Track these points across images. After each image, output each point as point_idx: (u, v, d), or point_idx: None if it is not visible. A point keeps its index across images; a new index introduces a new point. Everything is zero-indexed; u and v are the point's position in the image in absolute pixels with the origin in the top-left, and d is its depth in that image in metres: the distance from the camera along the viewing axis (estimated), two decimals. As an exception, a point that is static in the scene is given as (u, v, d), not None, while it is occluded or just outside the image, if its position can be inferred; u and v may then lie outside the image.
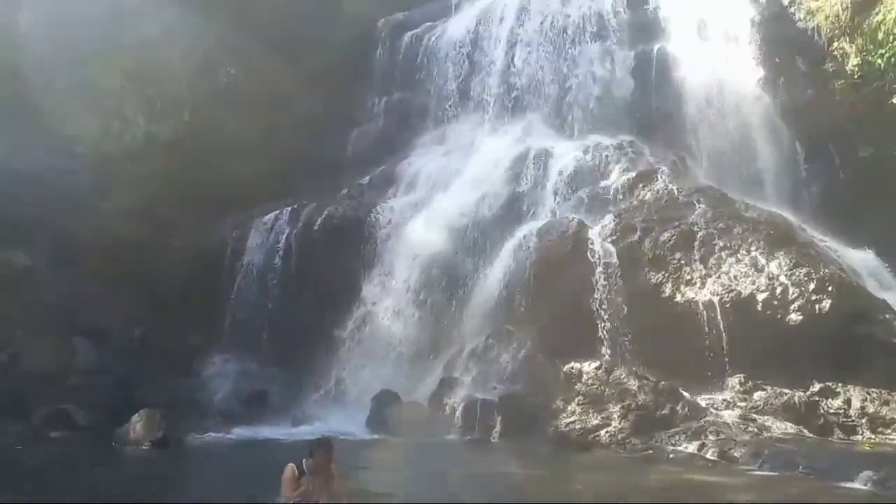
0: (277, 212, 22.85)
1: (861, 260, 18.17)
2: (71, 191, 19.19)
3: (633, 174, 21.28)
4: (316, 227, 22.08)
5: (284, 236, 22.24)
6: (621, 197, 20.72)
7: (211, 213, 21.31)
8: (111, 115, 21.94)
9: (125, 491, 8.36)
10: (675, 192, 19.95)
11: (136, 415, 14.22)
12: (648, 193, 20.23)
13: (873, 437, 13.68)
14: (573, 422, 15.15)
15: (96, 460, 12.15)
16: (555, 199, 21.67)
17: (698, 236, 18.38)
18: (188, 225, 20.78)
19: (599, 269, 18.50)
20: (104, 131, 21.32)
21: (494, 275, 19.60)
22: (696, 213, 18.99)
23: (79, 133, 20.57)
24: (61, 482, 9.09)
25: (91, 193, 19.41)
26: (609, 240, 19.16)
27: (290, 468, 6.25)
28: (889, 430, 13.93)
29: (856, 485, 9.39)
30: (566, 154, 22.88)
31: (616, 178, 21.66)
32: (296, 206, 22.85)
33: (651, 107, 24.41)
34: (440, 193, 22.58)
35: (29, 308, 16.79)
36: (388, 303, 20.14)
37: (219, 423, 16.70)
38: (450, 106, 27.13)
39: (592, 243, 19.02)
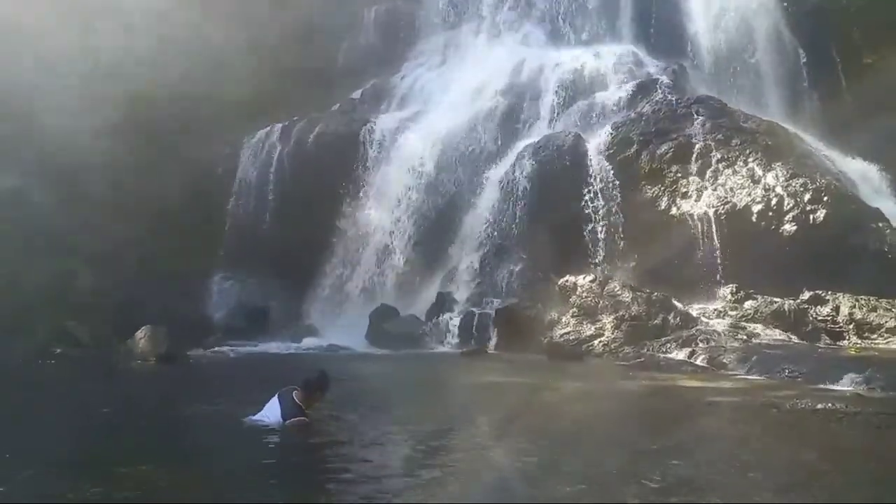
0: (268, 129, 22.44)
1: (857, 169, 18.11)
2: (55, 109, 18.72)
3: (632, 85, 20.83)
4: (308, 145, 21.77)
5: (277, 154, 21.96)
6: (619, 109, 20.35)
7: (201, 132, 20.86)
8: (88, 31, 21.06)
9: (136, 402, 8.58)
10: (674, 103, 19.58)
11: (140, 331, 14.43)
12: (647, 105, 19.85)
13: (860, 342, 14.07)
14: (567, 333, 15.51)
15: (103, 374, 12.43)
16: (552, 112, 21.26)
17: (696, 148, 18.22)
18: (177, 144, 20.38)
19: (596, 183, 18.43)
20: (82, 47, 20.52)
21: (490, 190, 19.51)
22: (695, 124, 18.73)
23: (59, 50, 19.82)
24: (70, 394, 9.33)
25: (75, 112, 18.92)
26: (606, 154, 18.98)
27: (298, 409, 6.51)
28: (875, 336, 14.32)
29: (840, 387, 9.75)
30: (564, 65, 22.28)
31: (615, 89, 21.19)
32: (287, 123, 22.43)
33: (651, 15, 23.56)
34: (434, 108, 22.12)
35: (25, 230, 16.71)
36: (383, 218, 20.13)
37: (221, 339, 17.03)
38: (443, 16, 26.15)
39: (589, 157, 18.84)
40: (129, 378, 12.45)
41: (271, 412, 6.51)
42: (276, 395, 6.58)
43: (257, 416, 6.63)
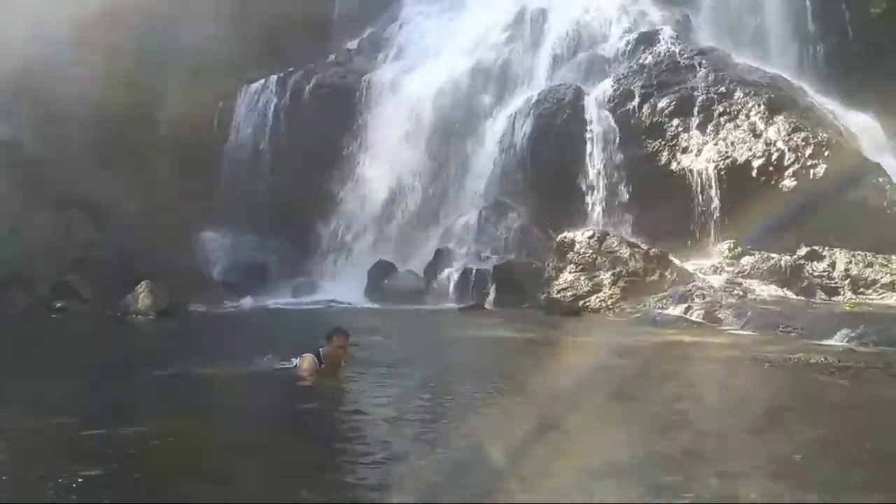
0: (263, 80, 22.05)
1: (860, 123, 17.89)
2: (47, 58, 18.36)
3: (635, 35, 20.39)
4: (304, 97, 21.43)
5: (273, 106, 21.64)
6: (621, 60, 19.98)
7: (194, 83, 20.48)
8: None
9: (140, 356, 8.68)
10: (677, 54, 19.21)
11: (140, 285, 14.50)
12: (649, 57, 19.47)
13: (854, 297, 14.19)
14: (565, 288, 15.60)
15: (105, 329, 12.54)
16: (552, 63, 20.88)
17: (698, 101, 17.99)
18: (171, 95, 20.04)
19: (596, 138, 18.25)
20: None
21: (489, 144, 19.33)
22: (698, 76, 18.43)
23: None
24: (75, 350, 9.43)
25: (66, 60, 18.56)
26: (607, 107, 18.74)
27: (310, 357, 6.63)
28: (870, 291, 14.43)
29: (833, 342, 9.88)
30: (565, 14, 21.76)
31: (616, 40, 20.76)
32: (282, 75, 22.02)
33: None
34: (432, 58, 21.68)
35: (22, 182, 16.59)
36: (380, 172, 19.99)
37: (221, 294, 17.13)
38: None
39: (589, 111, 18.60)
40: (132, 332, 12.57)
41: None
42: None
43: (287, 365, 6.91)
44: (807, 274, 15.18)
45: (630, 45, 20.12)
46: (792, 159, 16.42)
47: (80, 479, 3.68)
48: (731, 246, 16.34)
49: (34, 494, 3.52)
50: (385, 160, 20.07)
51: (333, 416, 5.76)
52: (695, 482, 3.91)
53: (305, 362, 6.68)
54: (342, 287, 17.76)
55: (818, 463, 4.33)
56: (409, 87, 20.66)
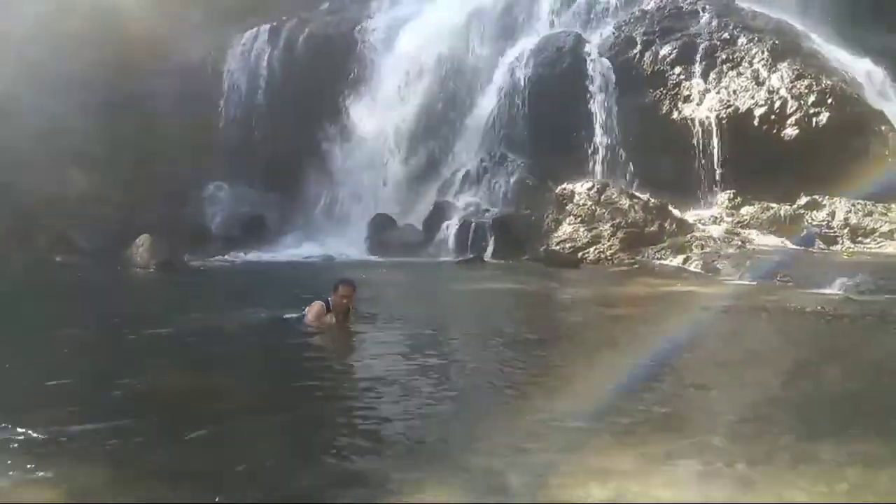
0: (255, 31, 21.55)
1: (865, 69, 17.59)
2: (34, 13, 17.94)
3: (637, -21, 19.83)
4: (298, 47, 20.99)
5: (266, 57, 21.21)
6: (622, 7, 19.49)
7: (185, 33, 20.01)
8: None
9: (144, 309, 8.69)
10: (680, -1, 18.76)
11: (139, 239, 14.46)
12: (651, 2, 19.01)
13: (853, 246, 14.22)
14: (564, 240, 15.61)
15: (108, 282, 12.55)
16: (551, 9, 20.37)
17: (700, 48, 17.65)
18: (163, 45, 19.60)
19: (596, 87, 17.96)
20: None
21: (487, 95, 19.03)
22: (701, 22, 18.05)
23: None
24: (80, 304, 9.45)
25: (56, 16, 18.12)
26: (607, 55, 18.38)
27: (319, 304, 6.70)
28: (868, 240, 14.45)
29: (831, 290, 9.94)
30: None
31: (618, -16, 20.20)
32: (275, 24, 21.51)
33: None
34: (428, 5, 21.13)
35: (18, 135, 16.41)
36: (378, 124, 19.73)
37: (220, 248, 17.14)
38: None
39: (590, 59, 18.25)
40: (133, 285, 12.59)
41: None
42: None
43: (295, 315, 6.97)
44: (806, 223, 15.17)
45: (632, -11, 19.62)
46: (794, 107, 16.22)
47: (76, 434, 3.74)
48: (731, 196, 16.29)
49: (31, 449, 3.56)
50: (382, 111, 19.78)
51: (340, 368, 5.80)
52: (682, 433, 3.97)
53: (313, 311, 6.74)
54: (341, 240, 17.75)
55: (805, 411, 4.40)
56: (405, 36, 20.20)
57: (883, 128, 15.93)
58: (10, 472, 3.08)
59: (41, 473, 3.12)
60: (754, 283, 11.25)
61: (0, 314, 7.73)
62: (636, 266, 13.78)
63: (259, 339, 6.84)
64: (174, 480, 3.16)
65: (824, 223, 14.98)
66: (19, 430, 3.67)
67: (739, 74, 17.04)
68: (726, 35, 17.60)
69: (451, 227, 17.12)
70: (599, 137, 17.69)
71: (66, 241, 15.70)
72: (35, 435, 3.62)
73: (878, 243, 14.26)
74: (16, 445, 3.46)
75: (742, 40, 17.40)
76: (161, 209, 17.71)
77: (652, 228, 15.28)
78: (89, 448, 3.54)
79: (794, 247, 14.44)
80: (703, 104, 17.16)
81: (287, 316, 7.11)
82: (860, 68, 17.72)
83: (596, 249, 15.15)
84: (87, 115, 17.65)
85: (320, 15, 21.98)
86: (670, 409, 4.32)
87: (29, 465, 3.18)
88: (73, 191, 17.42)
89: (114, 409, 4.30)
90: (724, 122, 16.68)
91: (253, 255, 16.77)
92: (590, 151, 17.74)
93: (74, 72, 17.84)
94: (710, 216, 16.08)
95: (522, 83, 18.41)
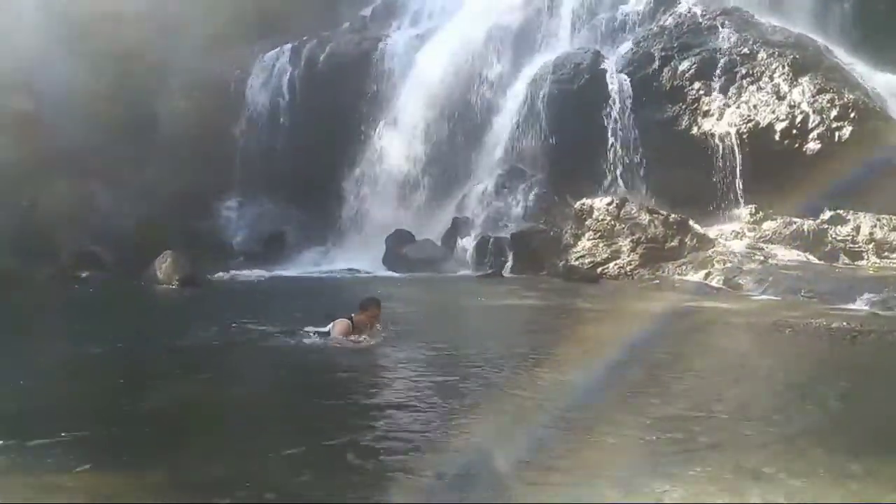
0: (277, 49, 21.91)
1: (887, 83, 17.39)
2: (61, 32, 18.44)
3: (655, -4, 19.86)
4: (319, 66, 21.28)
5: (288, 76, 21.53)
6: (641, 22, 19.52)
7: (207, 50, 20.38)
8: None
9: (173, 326, 8.77)
10: (699, 15, 18.73)
11: (162, 255, 14.61)
12: (670, 18, 19.00)
13: (878, 261, 13.98)
14: (583, 255, 15.54)
15: (129, 297, 12.72)
16: (570, 27, 20.45)
17: (720, 64, 17.58)
18: (185, 63, 19.99)
19: (615, 102, 17.95)
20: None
21: (506, 111, 19.09)
22: (720, 37, 17.99)
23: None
24: (104, 319, 9.59)
25: (80, 34, 18.60)
26: (626, 71, 18.38)
27: (345, 322, 6.78)
28: (894, 255, 14.19)
29: (856, 306, 9.77)
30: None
31: (636, 2, 20.25)
32: (296, 44, 21.85)
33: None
34: (447, 24, 21.33)
35: (40, 153, 16.78)
36: (397, 140, 19.87)
37: (242, 264, 17.30)
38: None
39: (609, 75, 18.26)
40: (156, 300, 12.75)
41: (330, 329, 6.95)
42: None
43: (318, 329, 7.07)
44: (830, 238, 14.96)
45: (650, 7, 19.63)
46: (816, 122, 16.07)
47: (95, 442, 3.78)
48: (753, 211, 16.12)
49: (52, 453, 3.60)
50: (401, 128, 19.94)
51: (363, 386, 5.80)
52: (708, 451, 3.92)
53: (338, 328, 6.79)
54: (360, 256, 17.82)
55: (837, 430, 4.32)
56: (425, 54, 20.39)
57: (908, 141, 15.69)
58: (23, 479, 3.11)
59: (52, 480, 3.15)
60: (777, 298, 11.10)
61: (24, 330, 7.87)
62: (656, 281, 13.67)
63: (283, 355, 6.88)
64: (180, 490, 3.18)
65: (849, 238, 14.75)
66: (31, 440, 3.72)
67: (759, 89, 16.93)
68: (746, 50, 17.53)
69: (469, 243, 17.14)
70: (618, 153, 17.64)
71: (89, 257, 15.94)
72: (46, 443, 3.66)
73: (904, 259, 14.01)
74: (29, 455, 3.49)
75: (762, 55, 17.31)
76: (183, 225, 17.95)
77: (672, 244, 15.17)
78: (102, 457, 3.58)
79: (817, 261, 14.23)
80: (723, 119, 17.07)
81: (312, 332, 7.15)
82: (882, 81, 17.50)
83: (615, 265, 15.06)
84: (109, 132, 18.03)
85: (341, 34, 22.28)
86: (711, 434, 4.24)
87: (39, 472, 3.21)
88: (97, 208, 17.75)
89: (129, 419, 4.35)
90: (744, 136, 16.57)
91: (275, 271, 16.89)
92: (609, 167, 17.68)
93: (96, 90, 18.23)
94: (732, 231, 15.92)
95: (541, 99, 18.46)
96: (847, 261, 14.31)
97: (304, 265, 17.78)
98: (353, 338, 6.76)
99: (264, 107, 21.49)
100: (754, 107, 16.80)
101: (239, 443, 3.96)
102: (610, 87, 18.08)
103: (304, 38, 21.87)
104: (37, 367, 5.85)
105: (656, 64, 18.05)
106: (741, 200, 16.42)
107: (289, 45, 21.79)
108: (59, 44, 17.74)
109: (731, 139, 16.73)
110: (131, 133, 18.68)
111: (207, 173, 19.06)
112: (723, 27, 18.17)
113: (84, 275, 15.10)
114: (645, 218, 15.64)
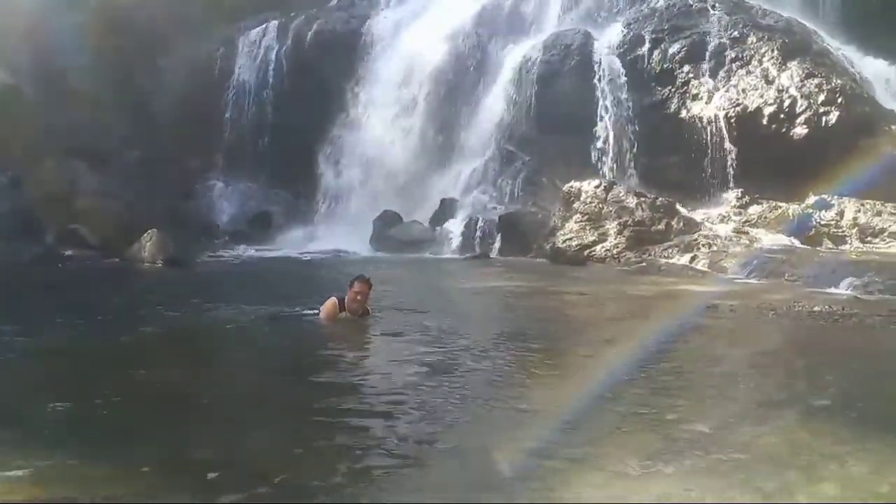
0: (263, 27, 21.60)
1: (876, 69, 17.46)
2: (42, 8, 18.03)
3: (646, -23, 19.74)
4: (306, 43, 21.02)
5: (274, 53, 21.25)
6: (631, 4, 19.42)
7: (193, 28, 20.07)
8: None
9: (158, 303, 8.68)
10: (690, -3, 18.65)
11: (146, 234, 14.51)
12: (661, 0, 18.90)
13: (861, 246, 14.12)
14: (570, 238, 15.56)
15: (115, 277, 12.61)
16: (560, 7, 20.31)
17: (710, 47, 17.57)
18: (171, 40, 19.67)
19: (604, 85, 17.90)
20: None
21: (495, 93, 18.99)
22: (710, 20, 17.95)
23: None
24: (88, 298, 9.50)
25: (62, 9, 18.19)
26: (616, 53, 18.31)
27: (333, 301, 6.68)
28: (877, 240, 14.34)
29: (839, 290, 9.88)
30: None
31: (627, -19, 20.12)
32: (283, 20, 21.55)
33: None
34: (436, 2, 21.11)
35: (23, 130, 16.50)
36: (386, 121, 19.73)
37: (227, 243, 17.20)
38: None
39: (598, 57, 18.20)
40: (141, 280, 12.65)
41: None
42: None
43: (309, 311, 7.04)
44: (815, 223, 15.07)
45: (641, -13, 19.53)
46: (804, 106, 16.13)
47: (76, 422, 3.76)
48: (740, 195, 16.21)
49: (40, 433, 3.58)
50: (389, 108, 19.79)
51: (351, 366, 5.76)
52: (689, 437, 3.96)
53: (327, 307, 6.75)
54: (347, 237, 17.76)
55: (814, 411, 4.37)
56: (414, 33, 20.19)
57: (893, 127, 15.82)
58: (4, 471, 3.06)
59: (35, 469, 3.10)
60: (762, 281, 11.19)
61: (7, 309, 7.77)
62: (643, 264, 13.73)
63: (271, 335, 6.84)
64: (170, 476, 3.16)
65: (833, 223, 14.88)
66: (12, 426, 3.68)
67: (749, 73, 16.95)
68: (736, 33, 17.51)
69: (457, 224, 17.13)
70: (607, 135, 17.64)
71: (73, 236, 15.78)
72: (29, 430, 3.63)
73: (886, 243, 14.16)
74: (9, 442, 3.45)
75: (752, 39, 17.30)
76: (168, 204, 17.79)
77: (659, 227, 15.22)
78: (84, 441, 3.55)
79: (801, 245, 14.35)
80: (711, 103, 17.09)
81: (301, 312, 7.11)
82: (871, 67, 17.59)
83: (602, 247, 15.10)
84: (94, 110, 17.75)
85: (329, 11, 22.01)
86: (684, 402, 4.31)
87: (22, 461, 3.17)
88: (80, 186, 17.52)
89: (114, 402, 4.32)
90: (732, 120, 16.61)
91: (260, 251, 16.81)
92: (597, 149, 17.69)
93: (80, 66, 17.91)
94: (718, 215, 16.01)
95: (530, 79, 18.37)
96: (830, 245, 14.43)
97: (291, 245, 17.68)
98: (341, 315, 6.73)
99: (250, 84, 21.24)
100: (743, 91, 16.83)
101: (223, 425, 3.95)
102: (599, 68, 18.02)
103: (292, 14, 21.57)
104: (8, 349, 5.77)
105: (646, 46, 18.00)
106: (728, 184, 16.49)
107: (275, 22, 21.49)
108: (40, 20, 17.36)
109: (719, 123, 16.78)
110: (115, 110, 18.42)
111: (193, 151, 18.87)
112: (713, 9, 18.13)
113: (69, 254, 14.95)
114: (632, 201, 15.67)
